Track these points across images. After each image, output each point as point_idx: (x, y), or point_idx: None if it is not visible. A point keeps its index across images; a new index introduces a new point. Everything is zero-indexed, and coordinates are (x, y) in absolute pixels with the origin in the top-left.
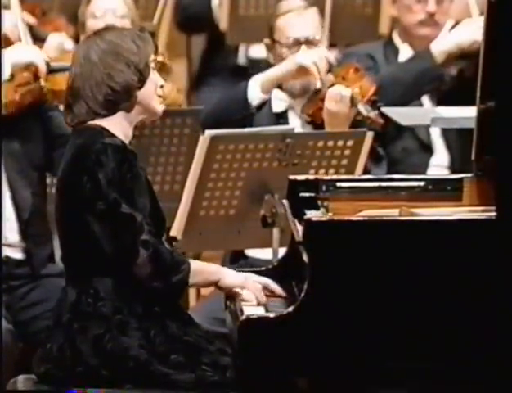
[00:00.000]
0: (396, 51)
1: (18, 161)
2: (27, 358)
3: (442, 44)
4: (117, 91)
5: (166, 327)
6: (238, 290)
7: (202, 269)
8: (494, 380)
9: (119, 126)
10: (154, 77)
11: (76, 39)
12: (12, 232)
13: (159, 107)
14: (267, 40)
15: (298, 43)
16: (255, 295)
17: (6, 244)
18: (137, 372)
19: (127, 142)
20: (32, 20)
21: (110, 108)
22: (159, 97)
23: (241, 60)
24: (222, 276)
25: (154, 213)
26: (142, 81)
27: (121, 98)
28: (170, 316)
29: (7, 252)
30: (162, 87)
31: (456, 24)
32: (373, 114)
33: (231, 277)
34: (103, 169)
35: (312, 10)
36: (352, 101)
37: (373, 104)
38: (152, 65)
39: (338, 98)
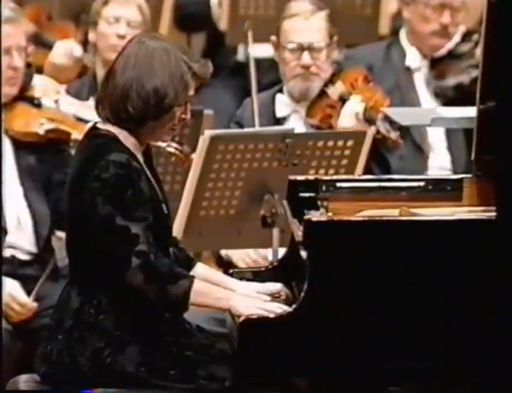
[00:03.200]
0: (402, 54)
1: (34, 177)
2: (26, 357)
3: None
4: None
5: (166, 342)
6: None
7: (209, 292)
8: (494, 380)
9: (130, 137)
10: (178, 112)
11: (84, 44)
12: (28, 244)
13: (168, 138)
14: (273, 37)
15: (301, 49)
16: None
17: (13, 246)
18: (135, 386)
19: (137, 151)
20: (34, 28)
21: (136, 121)
22: (174, 130)
23: (241, 56)
24: (233, 304)
25: (158, 222)
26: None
27: (151, 110)
28: (171, 329)
29: (13, 252)
30: (183, 120)
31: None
32: (394, 135)
33: (242, 306)
34: (103, 186)
35: (320, 15)
36: (370, 119)
37: (392, 123)
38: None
39: (352, 115)
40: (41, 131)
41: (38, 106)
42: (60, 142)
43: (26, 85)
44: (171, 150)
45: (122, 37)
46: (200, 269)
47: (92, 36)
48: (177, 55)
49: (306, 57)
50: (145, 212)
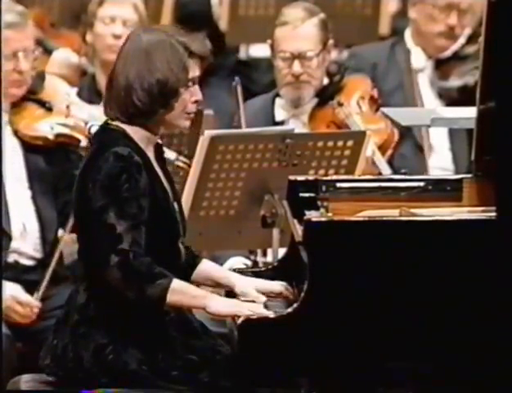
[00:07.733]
0: (407, 54)
1: (43, 180)
2: (25, 358)
3: None
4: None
5: (170, 342)
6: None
7: (186, 290)
8: (494, 380)
9: (141, 131)
10: (186, 95)
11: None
12: (32, 249)
13: (186, 123)
14: (269, 41)
15: (292, 57)
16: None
17: (16, 252)
18: (136, 385)
19: (147, 145)
20: (38, 33)
21: (144, 114)
22: (189, 114)
23: (242, 54)
24: (208, 303)
25: (164, 218)
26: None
27: (158, 101)
28: (176, 329)
29: (17, 257)
30: (196, 102)
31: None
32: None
33: (218, 305)
34: (102, 177)
35: (311, 22)
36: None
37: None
38: (191, 82)
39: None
40: (50, 135)
41: (49, 109)
42: (70, 146)
43: (38, 87)
44: (179, 164)
45: (118, 37)
46: (205, 265)
47: (89, 37)
48: (172, 41)
49: (296, 66)
50: (137, 208)
